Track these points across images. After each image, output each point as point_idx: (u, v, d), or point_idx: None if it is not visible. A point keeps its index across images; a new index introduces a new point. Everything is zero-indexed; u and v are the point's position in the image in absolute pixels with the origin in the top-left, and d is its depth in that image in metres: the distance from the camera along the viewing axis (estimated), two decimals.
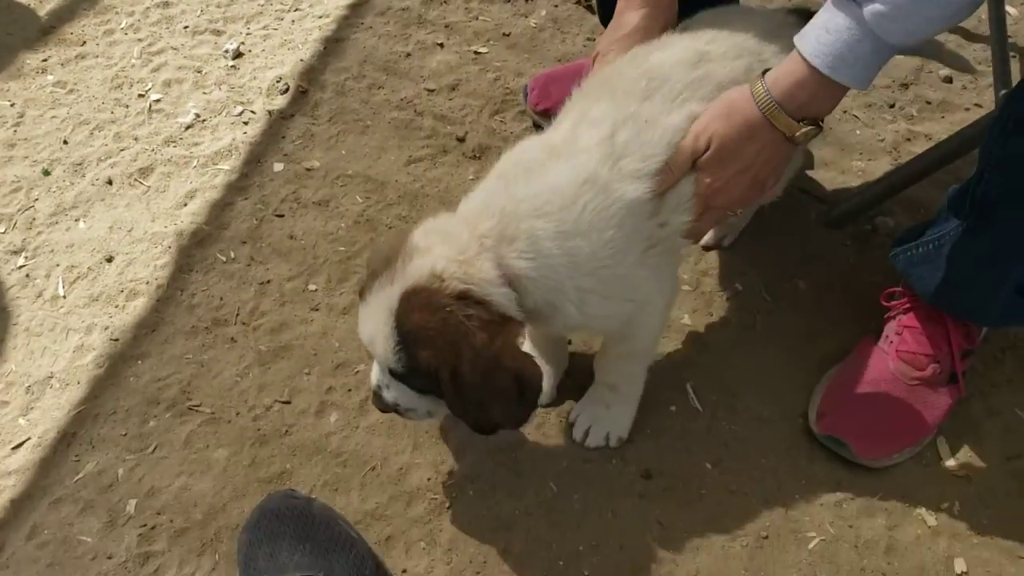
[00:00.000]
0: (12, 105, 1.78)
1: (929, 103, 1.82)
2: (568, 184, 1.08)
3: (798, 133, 1.08)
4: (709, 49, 1.19)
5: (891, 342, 1.38)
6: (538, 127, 1.76)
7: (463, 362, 1.04)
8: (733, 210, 1.21)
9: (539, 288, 1.09)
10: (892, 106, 1.82)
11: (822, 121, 1.10)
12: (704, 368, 1.43)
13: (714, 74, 1.16)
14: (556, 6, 2.02)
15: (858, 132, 1.78)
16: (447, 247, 1.07)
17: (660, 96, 1.14)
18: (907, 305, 1.38)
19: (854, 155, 1.74)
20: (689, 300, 1.52)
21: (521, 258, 1.07)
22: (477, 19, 1.99)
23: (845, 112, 1.81)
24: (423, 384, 1.10)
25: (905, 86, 1.86)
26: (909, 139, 1.76)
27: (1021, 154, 1.12)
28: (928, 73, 1.88)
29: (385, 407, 1.17)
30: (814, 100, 1.07)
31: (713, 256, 1.58)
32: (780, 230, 1.61)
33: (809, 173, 1.71)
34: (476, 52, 1.92)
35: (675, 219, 1.16)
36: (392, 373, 1.11)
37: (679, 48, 1.19)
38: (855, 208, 1.61)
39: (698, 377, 1.42)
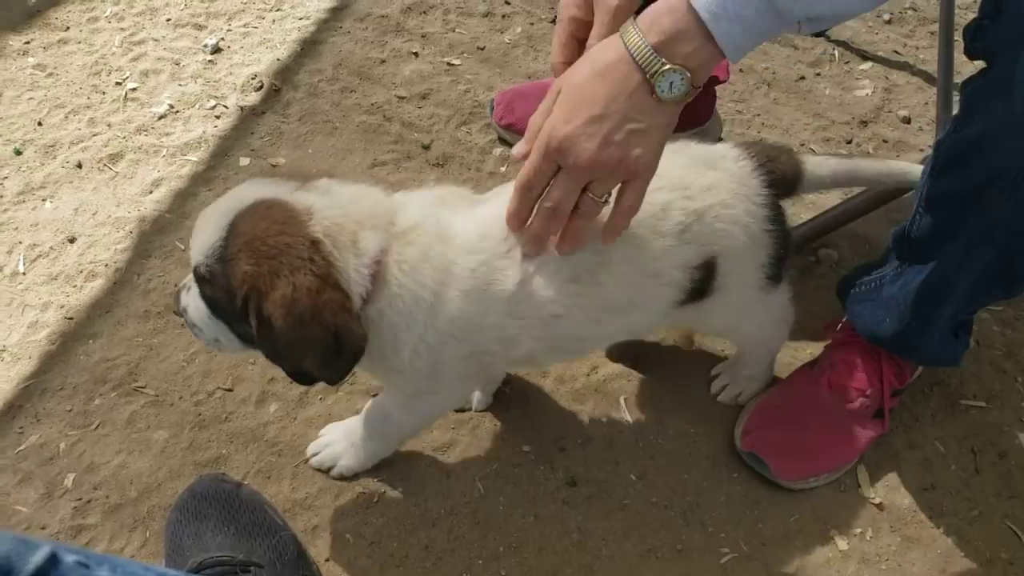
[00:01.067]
0: None
1: (886, 141, 1.88)
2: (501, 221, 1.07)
3: (661, 73, 0.91)
4: None
5: (824, 371, 1.42)
6: (503, 140, 1.81)
7: (273, 298, 0.97)
8: (585, 178, 0.99)
9: (389, 309, 1.05)
10: (849, 142, 1.87)
11: (694, 81, 0.93)
12: (637, 383, 1.47)
13: None
14: (531, 24, 2.07)
15: None
16: (353, 206, 1.04)
17: None
18: (846, 339, 1.43)
19: None
20: None
21: (401, 269, 1.04)
22: (454, 31, 2.04)
23: (803, 145, 1.86)
24: (223, 304, 1.04)
25: (864, 123, 1.91)
26: None
27: (948, 194, 1.17)
28: (888, 112, 1.94)
29: (177, 310, 1.12)
30: (680, 43, 0.92)
31: None
32: None
33: None
34: (450, 64, 1.97)
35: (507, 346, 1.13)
36: (197, 276, 1.05)
37: None
38: (800, 238, 1.65)
39: (630, 391, 1.46)
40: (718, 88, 1.74)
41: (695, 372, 1.49)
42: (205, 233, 1.03)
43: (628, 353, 1.50)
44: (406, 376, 1.14)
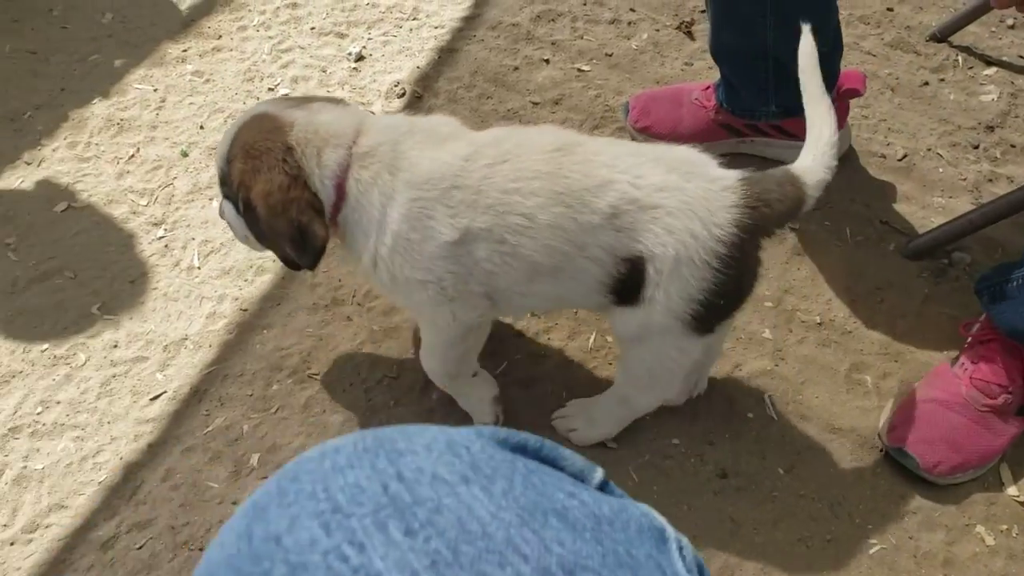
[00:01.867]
0: (155, 90, 1.94)
1: (1014, 147, 1.90)
2: (447, 168, 1.17)
3: None
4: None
5: (966, 369, 1.46)
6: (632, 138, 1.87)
7: (255, 190, 1.17)
8: None
9: (350, 218, 1.21)
10: (976, 147, 1.90)
11: None
12: (782, 380, 1.53)
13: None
14: (657, 31, 2.13)
15: (941, 170, 1.86)
16: (326, 125, 1.20)
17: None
18: (986, 337, 1.47)
19: (936, 192, 1.82)
20: (771, 316, 1.62)
21: (357, 186, 1.19)
22: (582, 38, 2.11)
23: (929, 150, 1.89)
24: (234, 200, 1.24)
25: (991, 128, 1.93)
26: (991, 180, 1.84)
27: None
28: (1015, 118, 1.96)
29: (220, 214, 1.33)
30: None
31: (796, 275, 1.67)
32: (860, 257, 1.71)
33: (893, 206, 1.80)
34: (580, 69, 2.04)
35: (475, 279, 1.21)
36: (219, 178, 1.27)
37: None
38: (933, 242, 1.70)
39: (776, 388, 1.52)
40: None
41: (836, 372, 1.54)
42: (221, 142, 1.25)
43: (769, 351, 1.56)
44: (383, 288, 1.28)
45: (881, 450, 1.45)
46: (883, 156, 1.89)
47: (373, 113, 1.77)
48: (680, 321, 1.19)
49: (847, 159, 1.87)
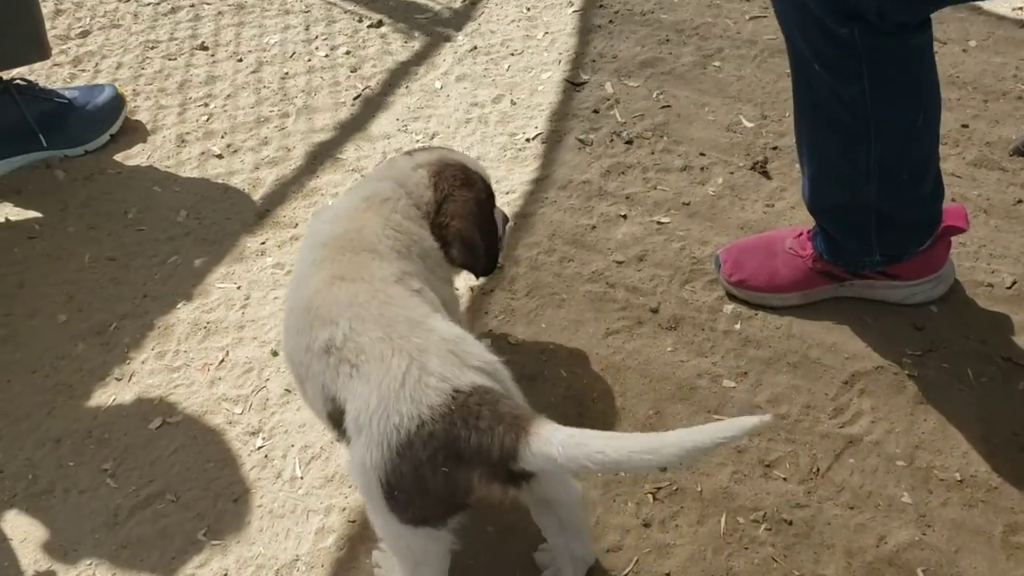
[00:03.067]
0: (238, 288, 1.93)
1: None
2: None
3: None
4: None
5: None
6: (732, 297, 1.82)
7: None
8: None
9: None
10: None
11: None
12: (933, 551, 1.42)
13: None
14: (731, 173, 2.10)
15: None
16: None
17: None
18: None
19: None
20: (906, 476, 1.52)
21: None
22: (656, 189, 2.09)
23: None
24: None
25: None
26: None
27: None
28: None
29: None
30: None
31: (924, 427, 1.58)
32: (989, 401, 1.61)
33: (1012, 339, 1.71)
34: (659, 222, 2.01)
35: None
36: None
37: None
38: None
39: (928, 561, 1.41)
40: None
41: (991, 534, 1.43)
42: None
43: (912, 518, 1.46)
44: None
45: None
46: (990, 285, 1.81)
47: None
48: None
49: (953, 293, 1.79)
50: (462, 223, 1.44)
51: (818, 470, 1.55)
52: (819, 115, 1.54)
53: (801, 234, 1.79)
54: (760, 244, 1.82)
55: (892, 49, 1.41)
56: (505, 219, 1.65)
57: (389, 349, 1.13)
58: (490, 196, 1.54)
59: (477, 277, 1.61)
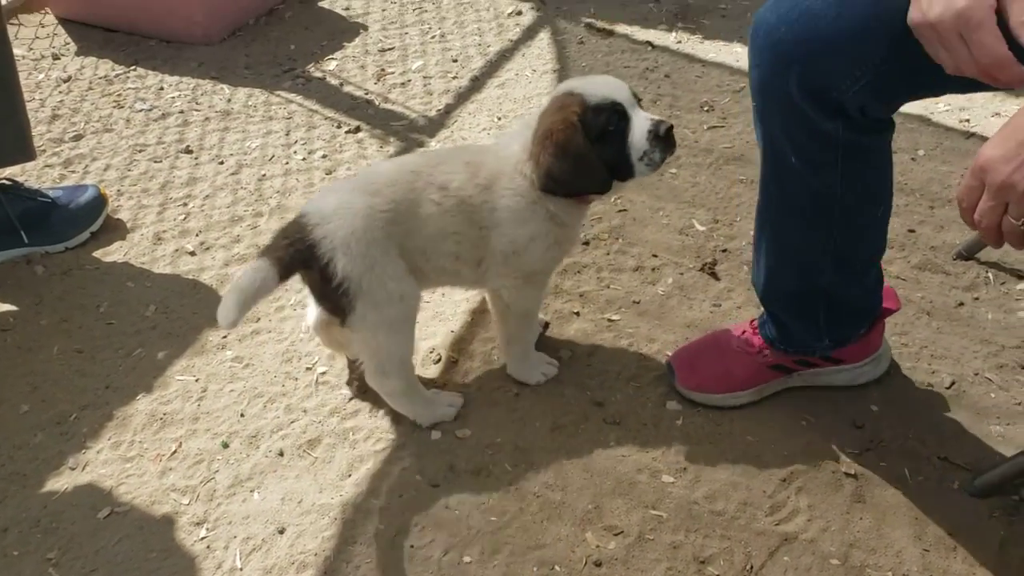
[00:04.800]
0: (196, 380, 1.98)
1: None
2: None
3: None
4: None
5: None
6: (679, 394, 1.85)
7: None
8: (1002, 197, 1.11)
9: None
10: None
11: None
12: None
13: None
14: (681, 274, 2.17)
15: (993, 395, 1.81)
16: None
17: None
18: None
19: (992, 419, 1.76)
20: (839, 575, 1.53)
21: None
22: (608, 287, 2.15)
23: (977, 374, 1.85)
24: None
25: None
26: None
27: None
28: None
29: None
30: None
31: (859, 525, 1.60)
32: (924, 500, 1.63)
33: (947, 439, 1.73)
34: (609, 320, 2.06)
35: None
36: None
37: None
38: (1000, 477, 1.62)
39: None
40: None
41: None
42: None
43: None
44: None
45: None
46: (930, 385, 1.85)
47: None
48: None
49: (892, 391, 1.83)
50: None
51: (752, 567, 1.56)
52: (786, 205, 1.61)
53: (745, 331, 1.84)
54: (708, 344, 1.87)
55: (866, 146, 1.51)
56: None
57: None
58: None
59: None
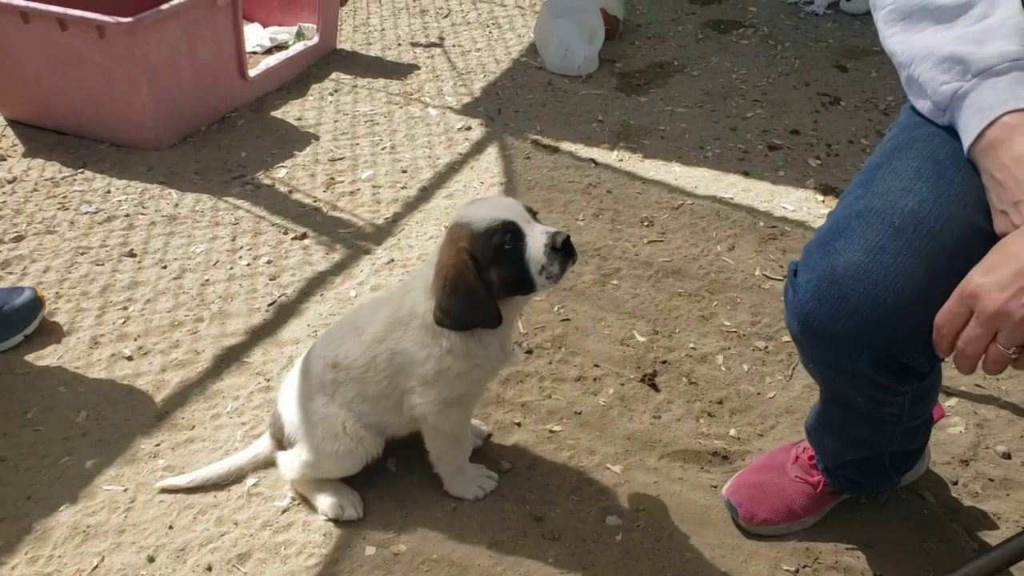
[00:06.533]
0: (125, 490, 1.92)
1: (992, 480, 1.89)
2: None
3: None
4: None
5: None
6: (752, 535, 1.82)
7: None
8: (992, 326, 1.10)
9: None
10: (955, 483, 1.89)
11: None
12: None
13: None
14: (622, 385, 2.19)
15: (926, 512, 1.83)
16: None
17: None
18: None
19: (925, 536, 1.78)
20: None
21: None
22: (550, 397, 2.16)
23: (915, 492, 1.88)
24: None
25: (965, 463, 1.93)
26: (976, 518, 1.80)
27: None
28: (986, 449, 1.97)
29: None
30: None
31: None
32: None
33: (884, 559, 1.74)
34: (551, 431, 2.06)
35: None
36: None
37: None
38: (979, 572, 1.61)
39: None
40: None
41: None
42: None
43: None
44: None
45: None
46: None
47: None
48: None
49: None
50: None
51: None
52: (854, 415, 1.56)
53: (799, 457, 1.83)
54: (763, 477, 1.85)
55: (933, 381, 1.52)
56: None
57: None
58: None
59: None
